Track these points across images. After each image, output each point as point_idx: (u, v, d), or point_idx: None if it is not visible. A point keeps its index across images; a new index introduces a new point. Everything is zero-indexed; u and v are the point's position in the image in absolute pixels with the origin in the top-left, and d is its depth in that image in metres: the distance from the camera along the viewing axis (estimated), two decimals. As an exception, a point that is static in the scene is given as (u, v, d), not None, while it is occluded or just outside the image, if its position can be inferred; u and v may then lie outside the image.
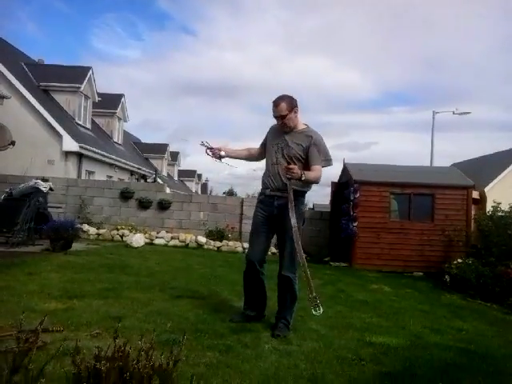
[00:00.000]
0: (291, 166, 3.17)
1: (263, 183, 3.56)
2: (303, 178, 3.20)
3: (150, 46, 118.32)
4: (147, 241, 9.88)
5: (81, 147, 13.10)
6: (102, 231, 10.43)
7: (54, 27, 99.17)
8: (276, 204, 3.41)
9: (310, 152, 3.36)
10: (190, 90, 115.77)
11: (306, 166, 3.37)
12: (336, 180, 10.90)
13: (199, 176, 40.35)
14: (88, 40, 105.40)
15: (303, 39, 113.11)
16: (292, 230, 3.20)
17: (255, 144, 3.83)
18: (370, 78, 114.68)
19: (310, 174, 3.29)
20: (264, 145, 3.66)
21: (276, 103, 3.37)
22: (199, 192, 37.37)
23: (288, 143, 3.41)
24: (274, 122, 3.53)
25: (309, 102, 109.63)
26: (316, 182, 3.41)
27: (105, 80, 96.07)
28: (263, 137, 3.70)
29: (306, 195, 3.58)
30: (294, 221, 3.20)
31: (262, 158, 3.66)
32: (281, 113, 3.35)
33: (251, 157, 3.76)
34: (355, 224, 9.10)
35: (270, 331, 3.35)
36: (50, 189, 8.35)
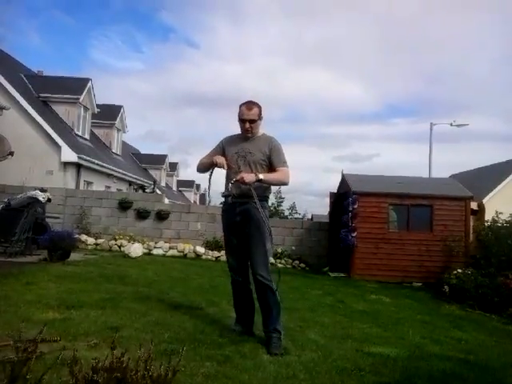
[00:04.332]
0: (238, 178, 3.15)
1: (226, 191, 3.42)
2: (261, 177, 3.18)
3: (152, 58, 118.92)
4: (145, 251, 9.85)
5: (79, 158, 13.12)
6: (100, 241, 10.41)
7: (56, 38, 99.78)
8: (238, 211, 3.34)
9: (272, 156, 3.36)
10: (192, 102, 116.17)
11: (271, 170, 3.37)
12: (335, 191, 10.93)
13: (198, 186, 40.30)
14: (89, 52, 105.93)
15: (305, 52, 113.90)
16: (258, 233, 3.27)
17: None
18: (372, 91, 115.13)
19: (269, 176, 3.29)
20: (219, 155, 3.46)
21: (249, 107, 3.31)
22: (198, 202, 37.30)
23: (250, 150, 3.36)
24: (232, 132, 3.53)
25: (310, 113, 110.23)
26: (283, 182, 3.43)
27: (107, 91, 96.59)
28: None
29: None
30: (265, 221, 3.27)
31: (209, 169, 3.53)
32: (253, 117, 3.30)
33: (207, 167, 3.56)
34: (354, 234, 9.10)
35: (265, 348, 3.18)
36: (48, 199, 8.34)
